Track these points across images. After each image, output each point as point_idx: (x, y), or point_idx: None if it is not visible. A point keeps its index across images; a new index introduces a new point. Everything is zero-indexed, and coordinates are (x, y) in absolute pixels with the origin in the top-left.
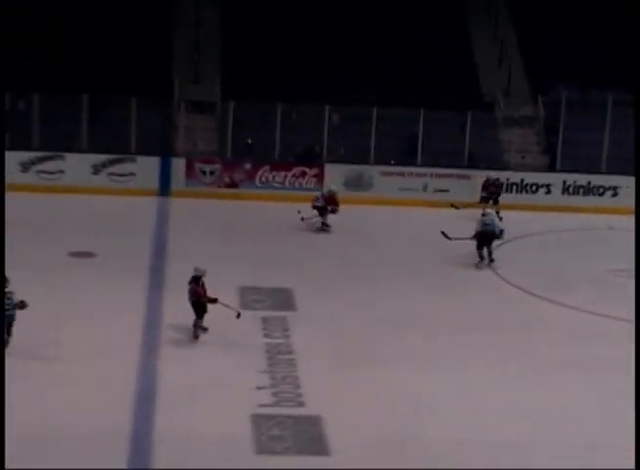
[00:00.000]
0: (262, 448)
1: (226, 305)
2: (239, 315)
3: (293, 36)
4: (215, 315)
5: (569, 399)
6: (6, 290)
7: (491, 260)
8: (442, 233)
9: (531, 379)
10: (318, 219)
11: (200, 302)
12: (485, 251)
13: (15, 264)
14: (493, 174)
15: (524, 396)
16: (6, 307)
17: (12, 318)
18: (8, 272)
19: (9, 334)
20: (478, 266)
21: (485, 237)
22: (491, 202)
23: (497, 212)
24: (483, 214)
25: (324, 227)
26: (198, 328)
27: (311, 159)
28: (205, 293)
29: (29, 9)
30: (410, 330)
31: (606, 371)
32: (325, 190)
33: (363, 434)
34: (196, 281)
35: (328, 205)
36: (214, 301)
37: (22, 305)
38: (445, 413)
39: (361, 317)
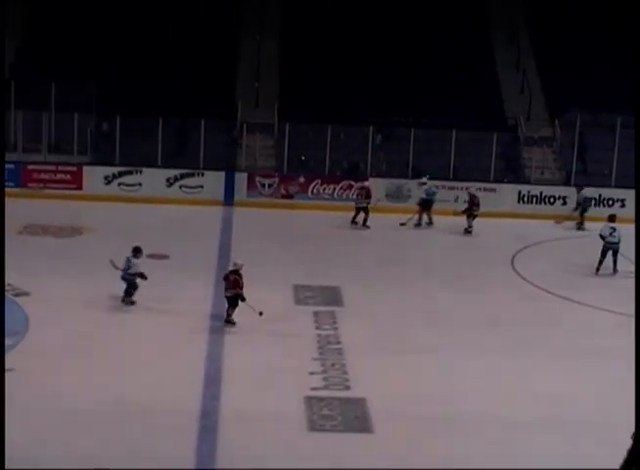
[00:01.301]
0: (314, 426)
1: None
2: (261, 314)
3: (341, 67)
4: (273, 309)
5: (584, 383)
6: (133, 259)
7: (430, 223)
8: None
9: (552, 366)
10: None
11: (237, 293)
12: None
13: (99, 264)
14: (473, 190)
15: (546, 380)
16: (124, 271)
17: (131, 281)
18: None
19: (130, 294)
20: (416, 226)
21: (425, 203)
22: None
23: (470, 227)
24: (423, 183)
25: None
26: (228, 315)
27: (357, 173)
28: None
29: (113, 45)
30: (442, 323)
31: (615, 359)
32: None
33: (403, 413)
34: (237, 274)
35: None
36: (244, 299)
37: (143, 275)
38: (476, 395)
39: (400, 312)
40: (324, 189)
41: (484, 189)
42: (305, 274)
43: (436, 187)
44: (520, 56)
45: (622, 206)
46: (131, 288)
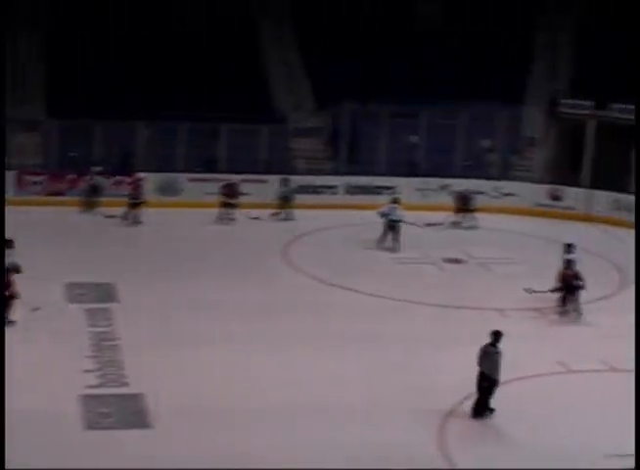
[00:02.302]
0: (90, 424)
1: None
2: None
3: (108, 62)
4: (45, 308)
5: (357, 369)
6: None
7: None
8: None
9: (327, 352)
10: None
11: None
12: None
13: None
14: (235, 179)
15: (323, 366)
16: None
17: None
18: None
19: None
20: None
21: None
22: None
23: (226, 216)
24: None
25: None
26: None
27: (127, 168)
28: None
29: None
30: (219, 315)
31: (387, 343)
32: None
33: (182, 408)
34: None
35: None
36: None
37: (17, 268)
38: (254, 386)
39: (175, 306)
40: None
41: (255, 181)
42: (78, 272)
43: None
44: (287, 50)
45: (393, 194)
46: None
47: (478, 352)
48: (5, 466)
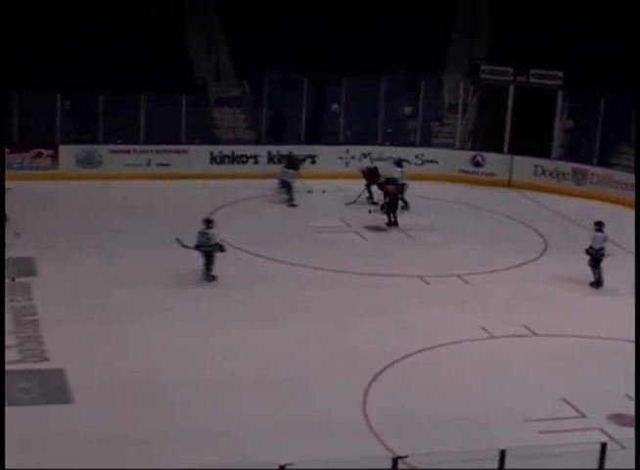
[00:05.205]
0: (11, 401)
1: None
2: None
3: (23, 33)
4: None
5: (283, 340)
6: (209, 231)
7: None
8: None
9: (254, 324)
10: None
11: None
12: None
13: None
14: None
15: (252, 339)
16: (201, 245)
17: (211, 253)
18: None
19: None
20: None
21: None
22: None
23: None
24: None
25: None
26: None
27: (46, 140)
28: None
29: None
30: (138, 289)
31: (319, 312)
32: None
33: (102, 382)
34: None
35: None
36: None
37: (222, 247)
38: (177, 361)
39: (96, 280)
40: (14, 158)
41: (176, 151)
42: None
43: None
44: (206, 16)
45: (313, 162)
46: (211, 261)
47: None
48: (5, 466)
